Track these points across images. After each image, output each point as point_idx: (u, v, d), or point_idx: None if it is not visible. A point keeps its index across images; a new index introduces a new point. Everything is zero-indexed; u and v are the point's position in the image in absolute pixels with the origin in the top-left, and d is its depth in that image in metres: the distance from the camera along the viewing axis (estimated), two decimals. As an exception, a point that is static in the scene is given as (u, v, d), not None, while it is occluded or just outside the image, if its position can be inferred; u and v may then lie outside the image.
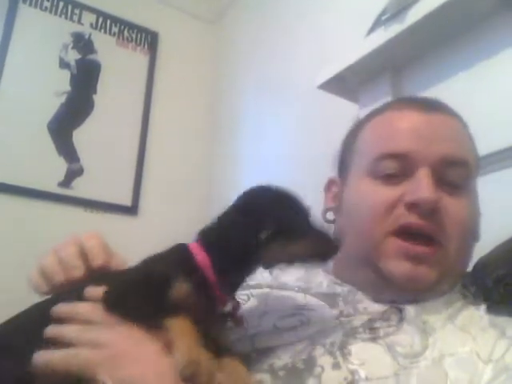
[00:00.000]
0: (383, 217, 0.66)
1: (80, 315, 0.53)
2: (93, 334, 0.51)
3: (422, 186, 0.64)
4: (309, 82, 1.47)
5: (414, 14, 1.13)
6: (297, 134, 1.74)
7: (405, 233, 0.64)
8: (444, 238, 0.64)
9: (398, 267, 0.64)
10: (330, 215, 0.77)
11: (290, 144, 1.78)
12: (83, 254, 0.60)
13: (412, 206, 0.64)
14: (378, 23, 1.29)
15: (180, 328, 0.49)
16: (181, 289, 0.52)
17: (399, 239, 0.64)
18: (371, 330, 0.60)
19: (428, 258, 0.64)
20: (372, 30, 1.30)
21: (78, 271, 0.59)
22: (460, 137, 0.71)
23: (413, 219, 0.64)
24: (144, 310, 0.52)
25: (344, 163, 0.77)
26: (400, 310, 0.62)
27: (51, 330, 0.53)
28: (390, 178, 0.67)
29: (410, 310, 0.62)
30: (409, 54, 1.24)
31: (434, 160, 0.66)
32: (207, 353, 0.48)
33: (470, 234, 0.69)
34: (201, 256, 0.56)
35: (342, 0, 1.67)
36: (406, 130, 0.69)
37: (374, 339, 0.59)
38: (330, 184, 0.80)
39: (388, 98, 1.27)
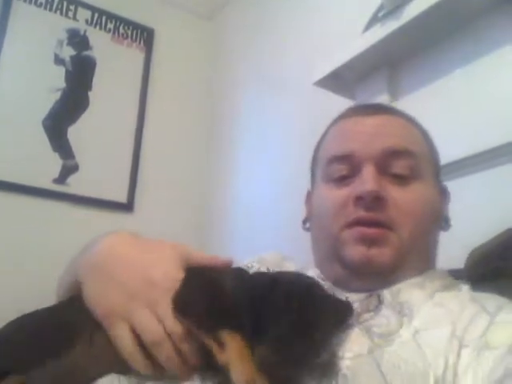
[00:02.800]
0: (338, 216, 0.70)
1: None
2: None
3: (364, 181, 0.68)
4: (306, 79, 1.47)
5: (411, 11, 1.13)
6: (294, 129, 1.74)
7: (356, 224, 0.69)
8: (395, 225, 0.68)
9: (354, 252, 0.68)
10: (307, 225, 0.82)
11: (288, 138, 1.77)
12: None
13: (357, 201, 0.68)
14: (374, 20, 1.29)
15: (237, 346, 0.50)
16: None
17: (352, 228, 0.69)
18: None
19: (379, 239, 0.67)
20: (369, 26, 1.30)
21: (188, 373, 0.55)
22: (403, 131, 0.75)
23: (360, 213, 0.68)
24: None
25: (312, 174, 0.83)
26: (378, 296, 0.64)
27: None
28: (341, 180, 0.72)
29: (388, 295, 0.64)
30: (405, 50, 1.25)
31: (375, 155, 0.70)
32: (261, 374, 0.49)
33: (427, 220, 0.71)
34: None
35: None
36: (349, 133, 0.75)
37: (352, 325, 0.60)
38: (308, 196, 0.84)
39: (384, 95, 1.27)
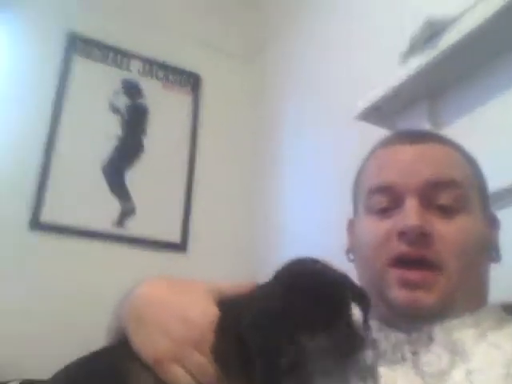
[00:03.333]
0: (380, 249, 0.68)
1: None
2: None
3: (407, 215, 0.65)
4: (347, 112, 1.47)
5: (448, 39, 1.12)
6: (336, 165, 1.73)
7: (400, 262, 0.66)
8: (441, 261, 0.64)
9: (398, 295, 0.65)
10: (351, 255, 0.80)
11: (331, 175, 1.77)
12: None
13: (401, 235, 0.66)
14: (412, 50, 1.28)
15: None
16: None
17: (396, 268, 0.66)
18: (401, 352, 0.61)
19: (423, 283, 0.64)
20: (406, 56, 1.29)
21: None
22: (446, 159, 0.71)
23: (403, 248, 0.65)
24: None
25: (354, 203, 0.80)
26: (430, 331, 0.62)
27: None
28: (384, 212, 0.70)
29: (440, 331, 0.62)
30: (445, 79, 1.22)
31: (418, 187, 0.67)
32: None
33: (476, 253, 0.67)
34: None
35: (376, 30, 1.67)
36: (390, 163, 0.72)
37: (402, 361, 0.59)
38: (349, 225, 0.82)
39: (426, 125, 1.25)
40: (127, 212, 2.09)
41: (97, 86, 2.22)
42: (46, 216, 1.93)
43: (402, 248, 0.65)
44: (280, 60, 2.33)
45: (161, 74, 2.35)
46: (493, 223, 0.74)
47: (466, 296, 0.66)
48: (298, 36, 2.18)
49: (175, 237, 2.14)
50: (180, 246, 2.13)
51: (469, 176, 0.71)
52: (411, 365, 0.58)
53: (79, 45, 2.21)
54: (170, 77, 2.37)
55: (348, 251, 0.80)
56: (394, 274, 0.66)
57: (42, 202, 1.93)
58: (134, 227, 2.08)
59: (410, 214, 0.65)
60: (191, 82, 2.41)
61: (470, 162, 0.74)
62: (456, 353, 0.58)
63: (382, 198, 0.70)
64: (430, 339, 0.61)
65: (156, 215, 2.14)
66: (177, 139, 2.29)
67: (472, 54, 1.12)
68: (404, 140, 0.74)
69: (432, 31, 1.20)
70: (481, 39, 1.08)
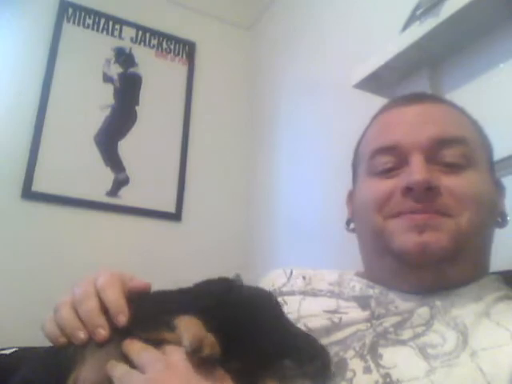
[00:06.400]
0: (382, 206, 0.66)
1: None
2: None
3: (412, 170, 0.63)
4: (345, 81, 1.46)
5: (450, 8, 1.11)
6: (335, 133, 1.73)
7: (403, 213, 0.64)
8: (452, 212, 0.62)
9: (405, 241, 0.62)
10: (352, 225, 0.78)
11: (328, 144, 1.77)
12: (104, 309, 0.54)
13: (406, 192, 0.63)
14: (412, 18, 1.27)
15: (186, 322, 0.51)
16: None
17: (399, 218, 0.64)
18: (402, 331, 0.59)
19: (431, 224, 0.61)
20: (407, 25, 1.28)
21: (105, 331, 0.52)
22: (450, 117, 0.70)
23: (409, 205, 0.63)
24: None
25: (354, 172, 0.79)
26: (430, 308, 0.60)
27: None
28: (387, 172, 0.68)
29: (440, 307, 0.60)
30: (446, 48, 1.21)
31: (424, 144, 0.65)
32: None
33: (485, 210, 0.65)
34: None
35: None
36: (393, 123, 0.70)
37: (404, 341, 0.57)
38: (349, 196, 0.81)
39: (426, 94, 1.24)
40: (121, 182, 2.08)
41: (88, 54, 2.17)
42: (39, 185, 1.91)
43: (407, 205, 0.63)
44: (278, 28, 2.29)
45: (154, 41, 2.31)
46: (499, 189, 0.73)
47: (473, 252, 0.64)
48: (297, 3, 2.14)
49: (170, 206, 2.13)
50: (175, 216, 2.13)
51: (474, 135, 0.70)
52: (413, 345, 0.56)
53: (70, 12, 2.15)
54: (164, 45, 2.33)
55: (348, 221, 0.79)
56: (398, 220, 0.63)
57: (34, 171, 1.91)
58: (128, 197, 2.07)
59: (416, 169, 0.63)
60: (186, 50, 2.37)
61: (474, 124, 0.73)
62: (458, 330, 0.56)
63: (386, 159, 0.68)
64: (431, 316, 0.59)
65: (150, 185, 2.13)
66: (171, 109, 2.26)
67: (474, 22, 1.11)
68: (405, 102, 0.72)
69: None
70: (482, 7, 1.07)
